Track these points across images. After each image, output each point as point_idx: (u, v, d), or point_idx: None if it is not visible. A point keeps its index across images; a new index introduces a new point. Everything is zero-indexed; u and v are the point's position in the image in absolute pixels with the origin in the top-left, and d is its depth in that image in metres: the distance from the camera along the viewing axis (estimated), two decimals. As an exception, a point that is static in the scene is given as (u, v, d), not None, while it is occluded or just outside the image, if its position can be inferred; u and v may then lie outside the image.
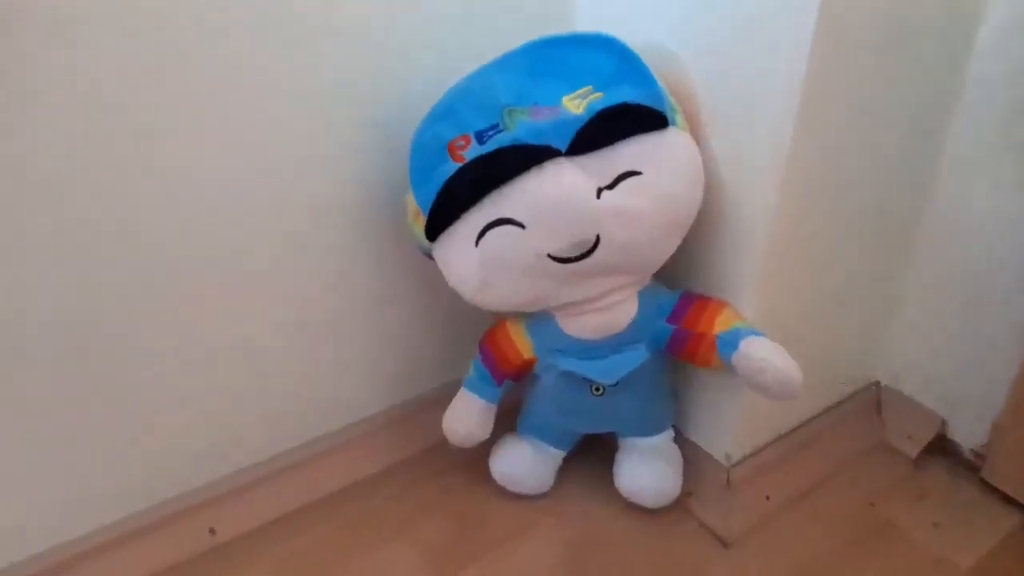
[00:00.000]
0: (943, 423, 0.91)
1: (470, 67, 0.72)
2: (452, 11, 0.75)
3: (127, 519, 0.76)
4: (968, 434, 0.89)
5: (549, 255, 0.67)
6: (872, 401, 0.96)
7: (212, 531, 0.80)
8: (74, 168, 0.61)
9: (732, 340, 0.70)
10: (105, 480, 0.74)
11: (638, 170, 0.66)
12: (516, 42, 0.71)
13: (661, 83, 0.67)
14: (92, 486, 0.73)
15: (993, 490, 0.87)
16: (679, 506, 0.84)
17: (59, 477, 0.71)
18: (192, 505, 0.79)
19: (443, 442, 0.84)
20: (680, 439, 0.85)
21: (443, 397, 0.85)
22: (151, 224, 0.66)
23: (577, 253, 0.67)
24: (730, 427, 0.82)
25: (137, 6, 0.58)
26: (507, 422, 0.86)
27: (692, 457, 0.84)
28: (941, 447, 0.92)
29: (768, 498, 0.84)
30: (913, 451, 0.92)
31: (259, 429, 0.83)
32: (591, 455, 0.88)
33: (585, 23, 0.81)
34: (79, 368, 0.68)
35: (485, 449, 0.86)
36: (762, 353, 0.69)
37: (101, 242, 0.64)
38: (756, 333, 0.71)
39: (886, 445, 0.94)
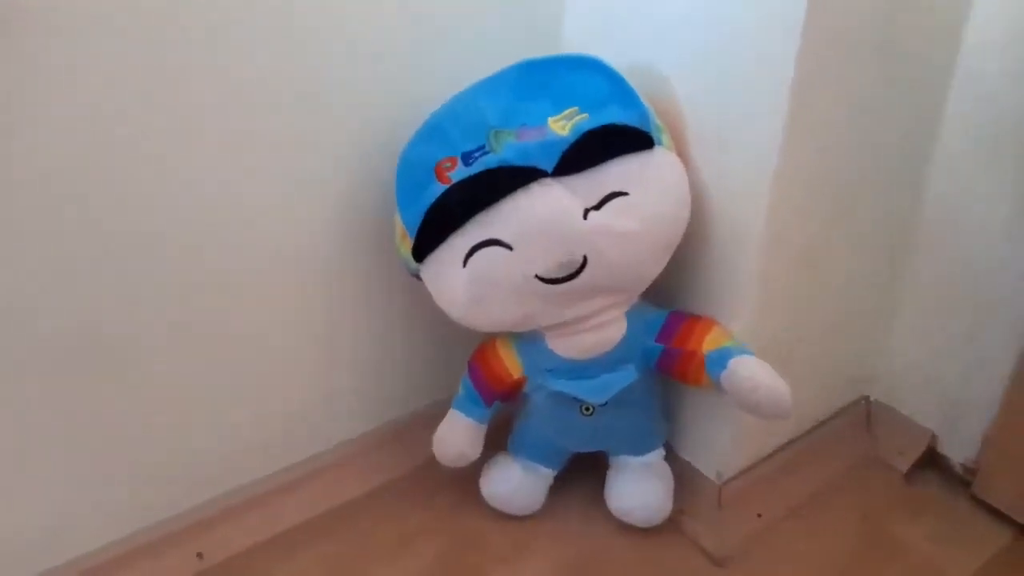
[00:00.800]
0: (933, 437, 0.91)
1: (456, 88, 0.72)
2: (438, 34, 0.75)
3: (111, 545, 0.75)
4: (959, 448, 0.89)
5: (537, 276, 0.67)
6: (862, 416, 0.96)
7: (200, 555, 0.79)
8: (84, 174, 0.61)
9: (721, 359, 0.70)
10: (91, 503, 0.73)
11: (625, 190, 0.66)
12: (502, 64, 0.72)
13: (647, 103, 0.68)
14: (75, 510, 0.73)
15: (984, 505, 0.86)
16: (671, 525, 0.83)
17: (49, 498, 0.71)
18: (178, 529, 0.78)
19: (434, 461, 0.84)
20: (671, 457, 0.85)
21: (434, 416, 0.84)
22: (143, 232, 0.66)
23: (564, 274, 0.67)
24: (721, 444, 0.82)
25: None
26: (497, 440, 0.85)
27: (684, 475, 0.84)
28: (932, 461, 0.92)
29: (760, 515, 0.84)
30: (904, 466, 0.91)
31: (248, 451, 0.82)
32: (582, 473, 0.87)
33: (571, 45, 0.81)
34: (74, 383, 0.67)
35: (476, 468, 0.85)
36: (751, 373, 0.69)
37: (101, 248, 0.64)
38: (746, 352, 0.71)
39: (877, 460, 0.94)
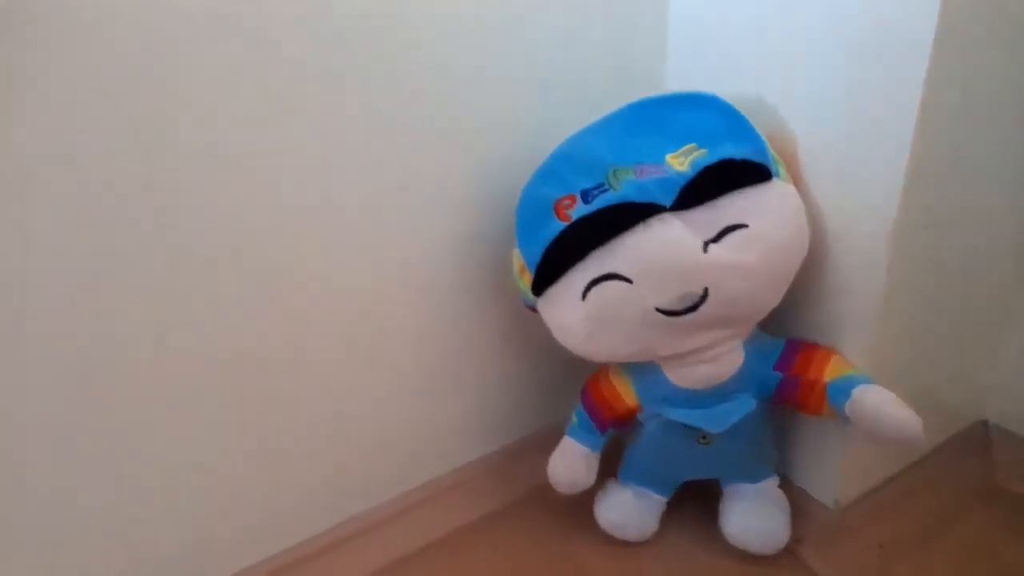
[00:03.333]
0: (1058, 462, 0.88)
1: (563, 127, 0.74)
2: (543, 77, 0.77)
3: (245, 571, 0.78)
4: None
5: (657, 308, 0.68)
6: (980, 440, 0.93)
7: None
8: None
9: (844, 388, 0.70)
10: (207, 535, 0.75)
11: (743, 223, 0.67)
12: (608, 104, 0.74)
13: (762, 136, 0.68)
14: (198, 540, 0.75)
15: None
16: (787, 553, 0.82)
17: (171, 529, 0.73)
18: (294, 558, 0.80)
19: (543, 487, 0.85)
20: (784, 484, 0.84)
21: (540, 443, 0.86)
22: (273, 261, 0.69)
23: (684, 306, 0.68)
24: (837, 471, 0.81)
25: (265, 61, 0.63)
26: (607, 466, 0.86)
27: (798, 503, 0.83)
28: (1057, 487, 0.88)
29: (881, 545, 0.82)
30: (1027, 493, 0.88)
31: (361, 478, 0.84)
32: (692, 500, 0.88)
33: (675, 83, 0.82)
34: (188, 411, 0.70)
35: (583, 495, 0.86)
36: (877, 403, 0.68)
37: (237, 274, 0.67)
38: (869, 380, 0.70)
39: (997, 486, 0.91)
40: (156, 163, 0.60)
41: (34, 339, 0.60)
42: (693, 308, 0.68)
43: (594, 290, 0.68)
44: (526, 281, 0.73)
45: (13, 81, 0.53)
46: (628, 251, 0.67)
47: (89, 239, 0.59)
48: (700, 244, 0.66)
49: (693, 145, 0.68)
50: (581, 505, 0.87)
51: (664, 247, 0.66)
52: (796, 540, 0.82)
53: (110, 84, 0.56)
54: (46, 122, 0.55)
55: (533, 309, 0.75)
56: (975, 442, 0.92)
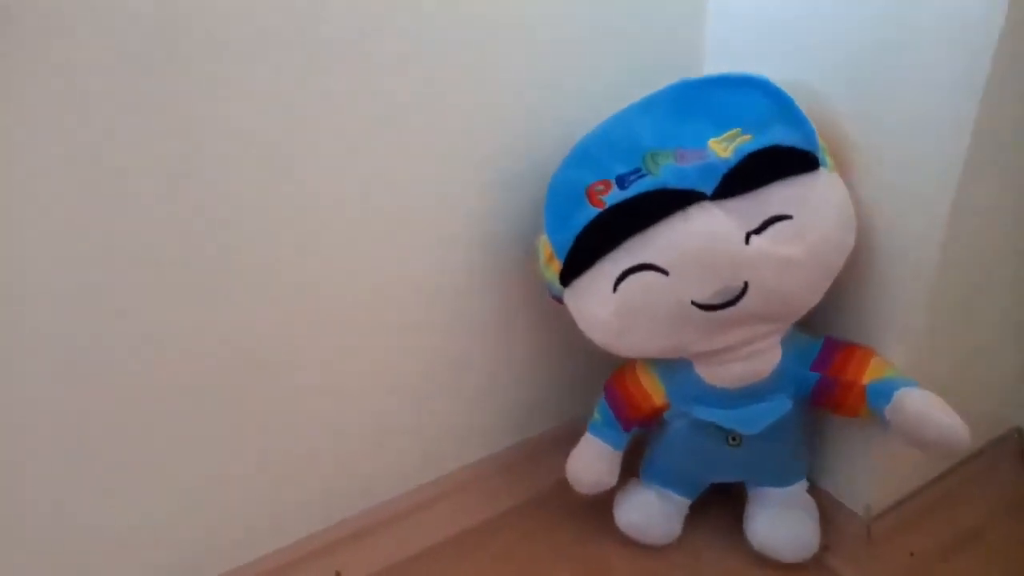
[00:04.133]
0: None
1: (597, 113, 0.71)
2: (577, 59, 0.74)
3: (251, 564, 0.76)
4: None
5: (693, 302, 0.65)
6: (1014, 447, 0.90)
7: (338, 574, 0.79)
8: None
9: (885, 391, 0.67)
10: (230, 523, 0.74)
11: (788, 214, 0.63)
12: (645, 87, 0.70)
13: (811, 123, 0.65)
14: (216, 529, 0.74)
15: None
16: (814, 561, 0.79)
17: (191, 516, 0.72)
18: (317, 547, 0.79)
19: (563, 485, 0.82)
20: (813, 489, 0.81)
21: (560, 439, 0.83)
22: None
23: (723, 300, 0.64)
24: (869, 477, 0.78)
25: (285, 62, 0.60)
26: (628, 464, 0.83)
27: (827, 509, 0.80)
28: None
29: (913, 554, 0.79)
30: (1063, 503, 0.86)
31: (383, 472, 0.82)
32: (715, 503, 0.84)
33: (714, 65, 0.79)
34: (216, 403, 0.68)
35: (603, 493, 0.83)
36: (922, 406, 0.65)
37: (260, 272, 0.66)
38: (911, 383, 0.67)
39: (1031, 495, 0.88)
40: (156, 164, 0.58)
41: (34, 340, 0.58)
42: (732, 302, 0.64)
43: (626, 281, 0.65)
44: (554, 270, 0.69)
45: (12, 73, 0.51)
46: (665, 241, 0.64)
47: (88, 240, 0.57)
48: (742, 235, 0.63)
49: (738, 130, 0.64)
50: (600, 505, 0.84)
51: (703, 237, 0.63)
52: (825, 547, 0.79)
53: (111, 84, 0.54)
54: (46, 122, 0.53)
55: (559, 300, 0.72)
56: (1009, 450, 0.89)
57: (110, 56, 0.53)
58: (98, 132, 0.55)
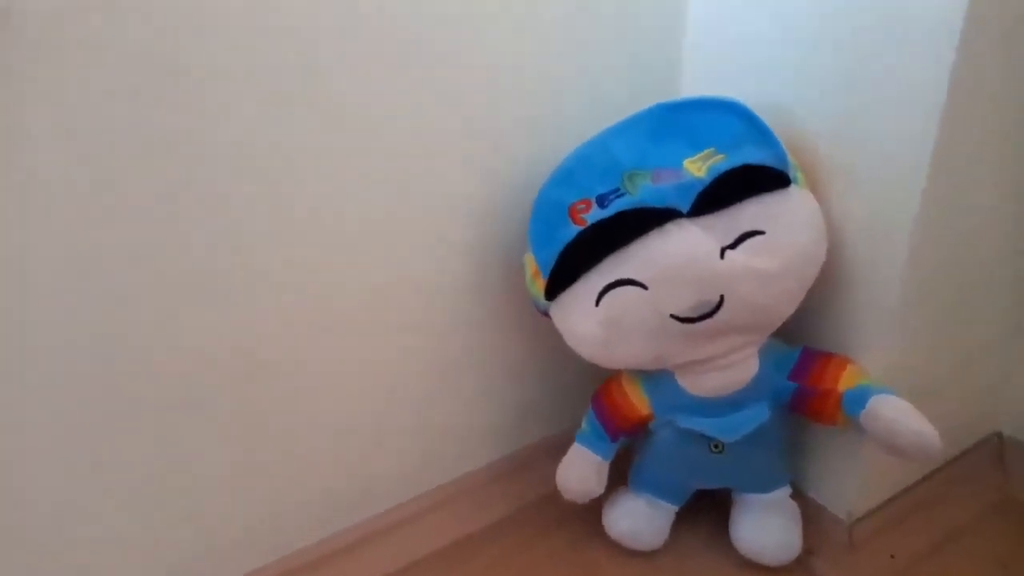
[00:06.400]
0: (1074, 476, 0.87)
1: (578, 134, 0.74)
2: (558, 85, 0.77)
3: (253, 573, 0.78)
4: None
5: (672, 315, 0.67)
6: (994, 453, 0.92)
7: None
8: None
9: (860, 398, 0.69)
10: (223, 534, 0.75)
11: (761, 229, 0.66)
12: (623, 110, 0.73)
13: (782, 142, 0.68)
14: (210, 540, 0.74)
15: None
16: (798, 565, 0.81)
17: (186, 527, 0.73)
18: (309, 559, 0.80)
19: (552, 494, 0.84)
20: (797, 495, 0.83)
21: (549, 449, 0.85)
22: (293, 268, 0.68)
23: (700, 313, 0.67)
24: (850, 482, 0.80)
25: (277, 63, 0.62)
26: (616, 473, 0.85)
27: (810, 514, 0.82)
28: (1073, 501, 0.88)
29: (893, 557, 0.81)
30: (1042, 505, 0.87)
31: (374, 483, 0.84)
32: (702, 509, 0.87)
33: (691, 87, 0.82)
34: (210, 412, 0.69)
35: (592, 502, 0.86)
36: (894, 414, 0.67)
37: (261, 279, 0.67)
38: (885, 391, 0.69)
39: (1011, 498, 0.90)
40: (156, 165, 0.59)
41: (34, 340, 0.59)
42: (708, 315, 0.67)
43: (608, 296, 0.68)
44: (539, 286, 0.72)
45: (12, 73, 0.52)
46: (644, 257, 0.66)
47: (88, 241, 0.58)
48: (717, 250, 0.65)
49: (712, 150, 0.67)
50: (592, 511, 0.87)
51: (680, 253, 0.66)
52: (808, 551, 0.81)
53: (110, 83, 0.55)
54: (46, 123, 0.54)
55: (546, 314, 0.75)
56: (989, 454, 0.91)
57: (110, 56, 0.54)
58: (98, 132, 0.55)
